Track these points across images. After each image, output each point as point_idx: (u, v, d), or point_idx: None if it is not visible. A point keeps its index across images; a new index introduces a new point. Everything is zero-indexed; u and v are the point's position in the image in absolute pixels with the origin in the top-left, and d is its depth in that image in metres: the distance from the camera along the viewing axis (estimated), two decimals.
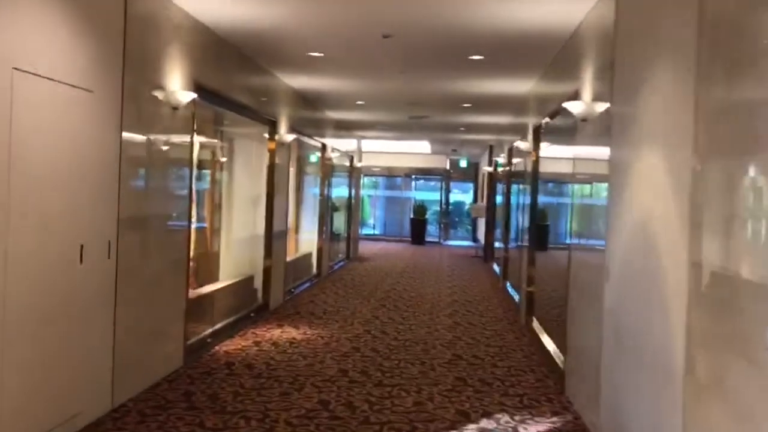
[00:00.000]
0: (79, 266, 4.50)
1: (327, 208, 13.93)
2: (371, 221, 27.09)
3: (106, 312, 4.92)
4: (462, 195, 29.44)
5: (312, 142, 12.67)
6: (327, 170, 13.60)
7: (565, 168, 9.86)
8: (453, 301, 11.03)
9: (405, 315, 9.57)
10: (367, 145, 19.39)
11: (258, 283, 9.34)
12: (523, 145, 9.51)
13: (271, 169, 9.37)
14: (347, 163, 16.91)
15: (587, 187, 5.76)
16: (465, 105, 11.48)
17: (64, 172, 4.30)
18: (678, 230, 3.26)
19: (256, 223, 9.43)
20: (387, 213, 26.88)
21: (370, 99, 11.32)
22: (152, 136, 5.60)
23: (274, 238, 9.47)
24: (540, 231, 14.30)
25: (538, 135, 9.07)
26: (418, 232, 24.38)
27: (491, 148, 18.00)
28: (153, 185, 5.71)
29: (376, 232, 26.48)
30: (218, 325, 7.60)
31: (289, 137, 9.71)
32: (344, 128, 15.47)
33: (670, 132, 3.49)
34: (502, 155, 14.63)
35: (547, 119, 8.48)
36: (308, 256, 12.88)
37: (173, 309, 6.17)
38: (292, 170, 12.19)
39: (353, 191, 17.40)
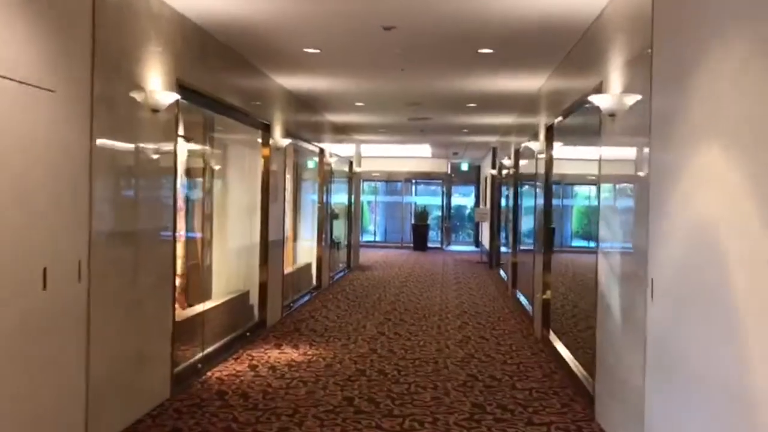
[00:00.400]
0: (42, 292, 3.88)
1: (326, 216, 13.31)
2: (371, 227, 26.47)
3: (76, 343, 4.29)
4: (463, 199, 28.87)
5: (309, 146, 12.07)
6: (325, 176, 12.99)
7: (583, 168, 9.26)
8: (461, 312, 10.42)
9: (412, 329, 8.94)
10: (367, 149, 18.80)
11: (254, 298, 8.72)
12: (534, 145, 8.91)
13: (266, 175, 8.75)
14: (346, 169, 16.31)
15: (619, 188, 5.13)
16: (470, 105, 10.88)
17: (23, 183, 3.69)
18: (762, 240, 2.65)
19: (251, 234, 8.81)
20: (387, 219, 26.27)
21: (370, 100, 10.71)
22: (129, 142, 4.99)
23: (270, 249, 8.85)
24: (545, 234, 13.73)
25: (551, 134, 8.47)
26: (420, 238, 23.78)
27: (494, 150, 17.41)
28: (132, 196, 5.09)
29: (377, 238, 25.87)
30: (210, 348, 6.97)
31: (285, 142, 9.10)
32: (343, 132, 14.87)
33: (747, 124, 2.87)
34: (507, 158, 14.04)
35: (560, 118, 7.90)
36: (307, 267, 12.26)
37: (158, 334, 5.55)
38: (289, 177, 11.59)
39: (353, 197, 16.78)
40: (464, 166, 26.35)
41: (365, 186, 25.41)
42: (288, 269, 10.92)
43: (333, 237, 14.91)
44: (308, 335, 8.43)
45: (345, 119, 13.28)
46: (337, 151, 14.15)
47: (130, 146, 5.01)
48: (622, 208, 4.92)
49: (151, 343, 5.42)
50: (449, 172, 25.37)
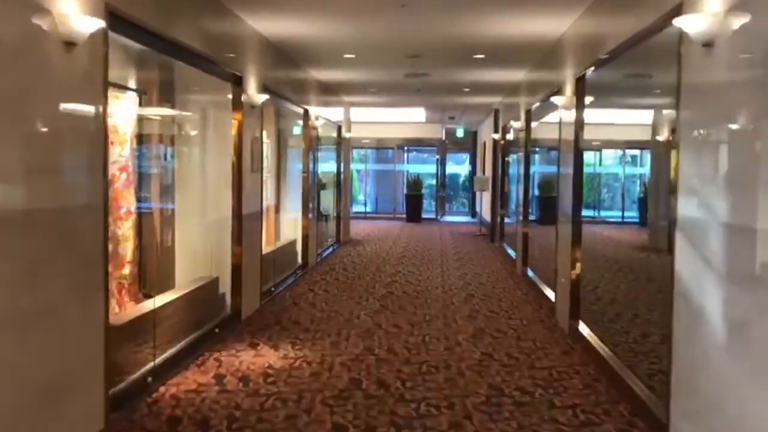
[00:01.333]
0: None
1: (313, 186, 11.85)
2: (362, 197, 25.03)
3: None
4: (457, 167, 27.46)
5: (293, 107, 10.57)
6: (311, 141, 11.48)
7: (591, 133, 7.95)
8: (468, 296, 9.05)
9: (414, 320, 7.57)
10: (356, 114, 17.27)
11: (226, 285, 7.29)
12: (559, 101, 7.46)
13: (239, 138, 7.27)
14: (334, 134, 14.81)
15: (724, 147, 3.68)
16: (477, 56, 9.38)
17: None
18: None
19: (223, 207, 7.36)
20: (378, 188, 24.79)
21: (362, 50, 9.18)
22: (26, 88, 3.52)
23: (245, 225, 7.41)
24: (546, 204, 12.39)
25: (582, 89, 7.02)
26: (413, 208, 22.37)
27: (497, 112, 15.93)
28: (30, 164, 3.63)
29: (368, 209, 24.44)
30: (166, 354, 5.55)
31: (260, 98, 7.59)
32: (330, 92, 13.35)
33: None
34: (513, 121, 12.59)
35: (591, 69, 6.49)
36: (291, 244, 10.83)
37: (82, 347, 4.12)
38: (270, 141, 10.12)
39: (342, 165, 15.31)
40: (460, 132, 24.88)
41: (354, 154, 23.91)
42: (269, 248, 9.50)
43: (321, 209, 13.51)
44: (291, 330, 7.04)
45: (333, 77, 11.75)
46: (324, 114, 12.65)
47: (29, 94, 3.54)
48: (731, 174, 3.48)
49: (71, 361, 3.99)
50: (444, 138, 23.87)
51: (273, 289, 8.88)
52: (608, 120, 7.73)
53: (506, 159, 15.09)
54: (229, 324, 6.97)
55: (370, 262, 12.28)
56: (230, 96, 7.25)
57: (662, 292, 8.41)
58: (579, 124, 7.04)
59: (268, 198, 10.37)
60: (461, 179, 27.66)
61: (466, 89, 13.28)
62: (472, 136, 25.06)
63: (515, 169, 14.43)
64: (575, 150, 7.08)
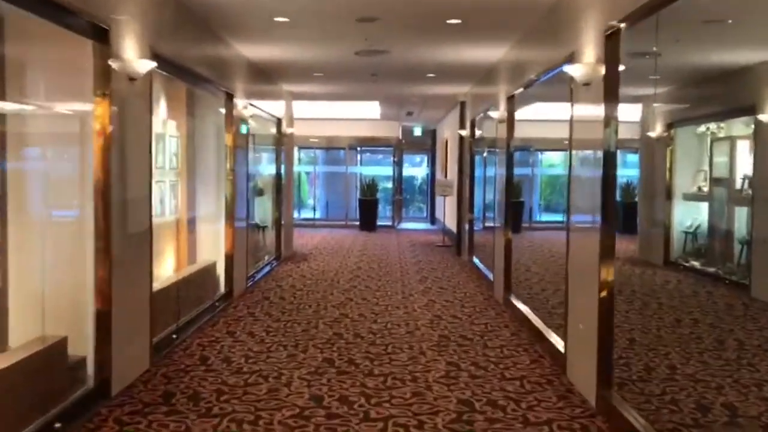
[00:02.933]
0: None
1: (245, 191, 9.43)
2: (311, 202, 22.64)
3: None
4: (414, 169, 25.33)
5: (211, 89, 8.16)
6: (239, 135, 9.04)
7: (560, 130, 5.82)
8: (442, 339, 6.78)
9: (370, 387, 5.24)
10: (303, 110, 14.91)
11: (87, 343, 4.86)
12: (577, 70, 5.22)
13: (108, 124, 4.84)
14: (274, 130, 12.42)
15: None
16: (451, 21, 7.12)
17: None
18: None
19: (87, 227, 4.94)
20: (329, 192, 22.39)
21: (297, 7, 6.80)
22: None
23: (120, 252, 5.00)
24: (514, 209, 10.30)
25: (615, 50, 4.80)
26: (367, 215, 20.05)
27: (463, 105, 13.74)
28: None
29: (317, 215, 22.03)
30: None
31: (144, 66, 5.16)
32: (266, 77, 10.96)
33: None
34: (488, 111, 10.40)
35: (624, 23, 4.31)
36: (211, 267, 8.39)
37: None
38: (182, 134, 7.72)
39: (284, 166, 12.90)
40: (417, 131, 22.70)
41: (302, 155, 21.56)
42: (174, 276, 7.08)
43: (258, 220, 11.14)
44: (183, 413, 4.63)
45: (264, 53, 9.34)
46: (260, 105, 10.26)
47: None
48: None
49: None
50: (401, 137, 21.62)
51: (175, 335, 6.44)
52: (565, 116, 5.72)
53: (474, 158, 12.96)
54: (84, 407, 4.53)
55: (314, 285, 9.91)
56: (93, 61, 4.83)
57: (681, 324, 6.21)
58: (610, 102, 4.82)
59: (177, 208, 7.97)
60: (418, 182, 25.57)
61: (431, 74, 11.01)
62: (431, 134, 22.93)
63: (482, 171, 12.34)
64: (605, 136, 4.86)
